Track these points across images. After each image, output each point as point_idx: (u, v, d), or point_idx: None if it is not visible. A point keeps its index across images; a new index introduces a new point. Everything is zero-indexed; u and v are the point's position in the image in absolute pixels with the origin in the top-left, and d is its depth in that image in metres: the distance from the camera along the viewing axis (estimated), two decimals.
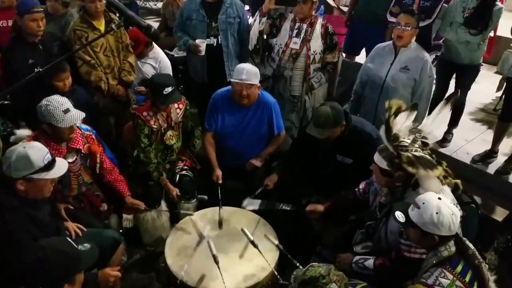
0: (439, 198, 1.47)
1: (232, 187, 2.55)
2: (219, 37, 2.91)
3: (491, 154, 2.94)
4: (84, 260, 1.40)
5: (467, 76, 2.98)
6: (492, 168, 2.88)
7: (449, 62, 3.00)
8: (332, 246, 2.01)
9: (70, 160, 2.05)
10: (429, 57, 2.61)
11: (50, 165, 1.66)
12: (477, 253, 1.50)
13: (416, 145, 1.71)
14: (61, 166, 1.73)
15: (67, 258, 1.32)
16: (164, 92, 2.29)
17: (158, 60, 3.25)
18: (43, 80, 2.27)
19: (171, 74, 3.12)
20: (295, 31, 2.85)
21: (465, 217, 1.78)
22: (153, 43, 3.19)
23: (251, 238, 2.00)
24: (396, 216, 1.52)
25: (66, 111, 1.92)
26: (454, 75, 3.09)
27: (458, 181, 1.70)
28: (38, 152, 1.65)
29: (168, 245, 2.04)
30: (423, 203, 1.47)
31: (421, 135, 1.74)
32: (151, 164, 2.41)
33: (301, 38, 2.84)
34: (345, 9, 4.39)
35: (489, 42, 3.01)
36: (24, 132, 2.02)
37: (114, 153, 2.48)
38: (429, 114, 1.94)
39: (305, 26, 2.84)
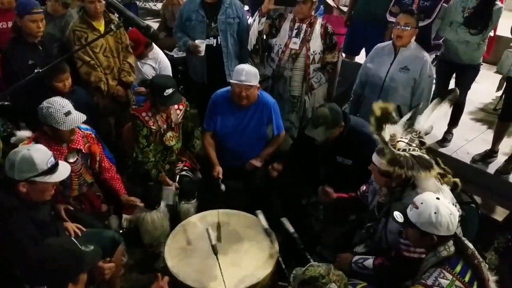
0: (438, 198, 1.47)
1: (232, 187, 2.55)
2: (218, 37, 2.91)
3: (491, 153, 2.94)
4: (88, 260, 1.41)
5: (467, 75, 2.97)
6: (492, 168, 2.88)
7: (449, 62, 2.99)
8: (332, 246, 2.01)
9: (71, 160, 2.06)
10: (428, 57, 2.61)
11: (53, 169, 1.66)
12: (476, 252, 1.49)
13: (414, 145, 1.71)
14: (64, 170, 1.74)
15: (72, 258, 1.33)
16: (165, 94, 2.30)
17: (158, 61, 3.25)
18: (43, 81, 2.27)
19: (171, 74, 3.13)
20: (294, 31, 2.85)
21: (465, 217, 1.78)
22: (153, 43, 3.20)
23: (266, 225, 1.98)
24: (395, 217, 1.52)
25: (67, 113, 1.92)
26: (454, 75, 3.09)
27: (457, 179, 1.70)
28: (42, 155, 1.65)
29: (168, 246, 2.04)
30: (422, 203, 1.47)
31: (417, 135, 1.74)
32: (149, 163, 2.42)
33: (301, 38, 2.84)
34: (345, 9, 4.38)
35: (489, 41, 3.00)
36: (25, 133, 2.02)
37: (114, 153, 2.48)
38: None
39: (304, 26, 2.84)
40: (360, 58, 3.72)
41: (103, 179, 2.28)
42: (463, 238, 1.52)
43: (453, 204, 1.55)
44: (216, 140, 2.63)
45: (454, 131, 3.20)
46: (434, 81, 2.71)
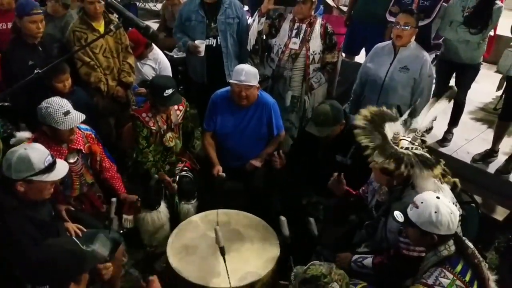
0: (438, 197, 1.47)
1: (232, 188, 2.55)
2: (218, 37, 2.92)
3: (491, 153, 2.93)
4: (90, 260, 1.41)
5: (467, 75, 2.97)
6: (492, 168, 2.88)
7: (449, 62, 2.99)
8: (332, 246, 2.01)
9: (71, 161, 2.06)
10: (428, 57, 2.61)
11: (50, 167, 1.66)
12: (476, 252, 1.49)
13: (416, 143, 1.71)
14: (62, 168, 1.74)
15: (73, 258, 1.34)
16: (165, 94, 2.30)
17: (158, 61, 3.26)
18: (43, 82, 2.27)
19: (171, 75, 3.13)
20: (294, 31, 2.85)
21: (466, 217, 1.77)
22: (153, 44, 3.20)
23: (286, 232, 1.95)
24: (395, 216, 1.52)
25: (66, 113, 1.92)
26: (454, 75, 3.08)
27: (456, 179, 1.70)
28: (39, 154, 1.65)
29: (169, 245, 2.05)
30: (422, 203, 1.47)
31: (419, 133, 1.74)
32: (148, 162, 2.42)
33: (301, 38, 2.84)
34: (345, 8, 4.38)
35: (489, 41, 3.00)
36: (24, 134, 2.03)
37: (114, 154, 2.48)
38: None
39: (304, 26, 2.84)
40: (360, 58, 3.72)
41: (103, 178, 2.29)
42: (463, 238, 1.52)
43: (453, 204, 1.55)
44: (216, 140, 2.63)
45: (454, 130, 3.20)
46: (434, 80, 2.71)
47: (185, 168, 2.60)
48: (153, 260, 2.41)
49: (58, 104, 1.92)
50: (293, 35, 2.85)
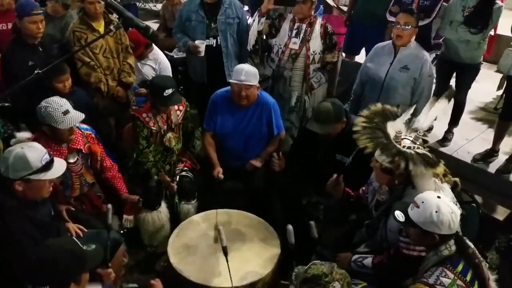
0: (439, 197, 1.47)
1: (232, 188, 2.55)
2: (218, 37, 2.91)
3: (492, 153, 2.93)
4: (90, 259, 1.41)
5: (467, 75, 2.97)
6: (493, 167, 2.88)
7: (449, 61, 2.99)
8: (332, 246, 2.01)
9: (71, 161, 2.06)
10: (428, 56, 2.61)
11: (48, 166, 1.65)
12: (477, 252, 1.49)
13: (418, 143, 1.71)
14: (59, 166, 1.73)
15: (73, 258, 1.33)
16: (165, 94, 2.30)
17: (158, 62, 3.26)
18: (43, 82, 2.28)
19: (171, 75, 3.13)
20: (294, 31, 2.85)
21: (466, 217, 1.77)
22: (153, 44, 3.20)
23: (292, 241, 1.86)
24: (396, 216, 1.52)
25: (66, 112, 1.92)
26: (454, 74, 3.08)
27: (457, 179, 1.69)
28: (36, 152, 1.64)
29: (170, 245, 2.05)
30: (423, 202, 1.46)
31: (421, 133, 1.74)
32: (148, 162, 2.42)
33: (301, 38, 2.84)
34: (345, 8, 4.38)
35: (489, 40, 3.00)
36: (25, 134, 2.02)
37: (114, 154, 2.49)
38: None
39: (304, 26, 2.84)
40: (360, 57, 3.72)
41: (105, 178, 2.28)
42: (464, 238, 1.52)
43: (453, 203, 1.55)
44: (216, 140, 2.63)
45: (455, 130, 3.20)
46: (434, 80, 2.70)
47: (185, 168, 2.60)
48: (154, 260, 2.41)
49: (57, 104, 1.92)
50: (293, 35, 2.85)
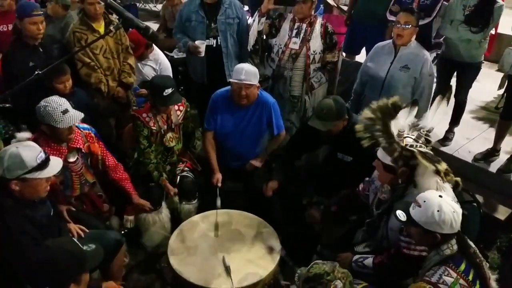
0: (440, 196, 1.46)
1: (232, 188, 2.55)
2: (218, 38, 2.91)
3: (493, 152, 2.93)
4: (90, 260, 1.41)
5: (468, 74, 2.96)
6: (494, 167, 2.87)
7: (450, 60, 2.98)
8: (333, 246, 2.01)
9: (71, 160, 2.06)
10: (429, 56, 2.60)
11: (43, 164, 1.64)
12: (478, 251, 1.49)
13: (420, 141, 1.70)
14: (55, 164, 1.71)
15: (73, 258, 1.33)
16: (164, 94, 2.29)
17: (158, 62, 3.26)
18: (44, 83, 2.28)
19: (171, 75, 3.13)
20: (294, 31, 2.85)
21: (467, 216, 1.76)
22: (153, 45, 3.20)
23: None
24: (397, 215, 1.51)
25: (65, 111, 1.92)
26: (455, 74, 3.08)
27: (458, 178, 1.69)
28: (30, 151, 1.63)
29: (170, 246, 2.05)
30: (424, 201, 1.46)
31: (424, 132, 1.73)
32: (151, 164, 2.42)
33: (301, 38, 2.83)
34: (345, 8, 4.38)
35: (490, 40, 2.99)
36: (25, 135, 2.01)
37: (114, 154, 2.48)
38: None
39: (304, 26, 2.83)
40: (361, 57, 3.71)
41: (112, 180, 2.26)
42: (465, 237, 1.51)
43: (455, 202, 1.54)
44: (216, 140, 2.63)
45: (456, 129, 3.19)
46: (434, 79, 2.70)
47: (186, 169, 2.60)
48: (154, 260, 2.41)
49: (56, 103, 1.92)
50: (293, 35, 2.85)
